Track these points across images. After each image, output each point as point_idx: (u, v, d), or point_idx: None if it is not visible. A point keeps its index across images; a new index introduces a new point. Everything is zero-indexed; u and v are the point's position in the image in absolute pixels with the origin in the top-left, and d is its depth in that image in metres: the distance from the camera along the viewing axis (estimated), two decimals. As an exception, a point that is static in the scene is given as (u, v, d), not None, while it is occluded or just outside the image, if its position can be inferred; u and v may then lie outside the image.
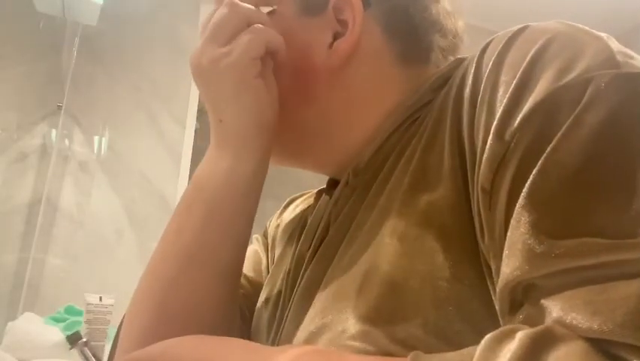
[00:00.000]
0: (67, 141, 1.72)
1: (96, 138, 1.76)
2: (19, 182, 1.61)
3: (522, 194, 0.26)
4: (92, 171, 1.72)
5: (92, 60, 1.77)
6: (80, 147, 1.73)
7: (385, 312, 0.31)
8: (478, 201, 0.30)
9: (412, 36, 0.44)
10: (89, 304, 1.15)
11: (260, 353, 0.31)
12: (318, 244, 0.42)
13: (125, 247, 1.69)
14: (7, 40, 1.64)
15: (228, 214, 0.42)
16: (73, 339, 0.51)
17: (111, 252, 1.67)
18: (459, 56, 0.43)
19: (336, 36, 0.42)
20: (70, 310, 1.33)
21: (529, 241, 0.25)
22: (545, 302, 0.24)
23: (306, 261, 0.42)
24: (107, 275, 1.64)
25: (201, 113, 2.19)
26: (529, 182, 0.26)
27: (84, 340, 0.50)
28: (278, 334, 0.42)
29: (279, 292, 0.46)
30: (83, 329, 1.13)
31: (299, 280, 0.42)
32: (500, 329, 0.24)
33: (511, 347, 0.22)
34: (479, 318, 0.29)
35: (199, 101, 1.93)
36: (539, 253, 0.24)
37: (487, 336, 0.23)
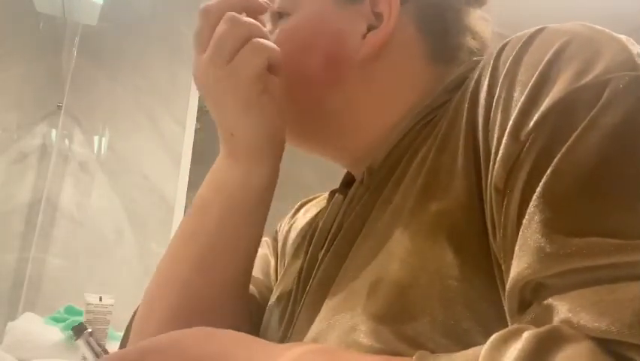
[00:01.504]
0: (67, 141, 1.71)
1: (96, 138, 1.76)
2: (19, 182, 1.61)
3: (535, 193, 0.26)
4: (92, 171, 1.72)
5: (92, 60, 1.77)
6: (80, 147, 1.73)
7: (394, 310, 0.31)
8: (491, 201, 0.30)
9: (444, 36, 0.44)
10: (89, 304, 1.15)
11: (266, 349, 0.32)
12: (331, 243, 0.42)
13: (125, 247, 1.69)
14: (7, 41, 1.64)
15: (241, 222, 0.44)
16: (78, 330, 0.51)
17: (111, 252, 1.67)
18: (475, 58, 0.43)
19: (370, 27, 0.42)
20: (70, 311, 1.33)
21: (540, 240, 0.25)
22: (553, 302, 0.24)
23: (319, 259, 0.43)
24: (107, 275, 1.64)
25: (201, 113, 2.18)
26: (543, 181, 0.26)
27: (89, 330, 0.51)
28: (289, 331, 0.42)
29: (292, 290, 0.46)
30: (83, 329, 1.13)
31: (312, 278, 0.42)
32: (507, 328, 0.24)
33: (518, 346, 0.22)
34: (487, 317, 0.29)
35: (199, 101, 1.93)
36: (550, 252, 0.24)
37: (494, 335, 0.24)
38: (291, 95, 0.44)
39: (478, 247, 0.31)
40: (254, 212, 0.44)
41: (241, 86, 0.40)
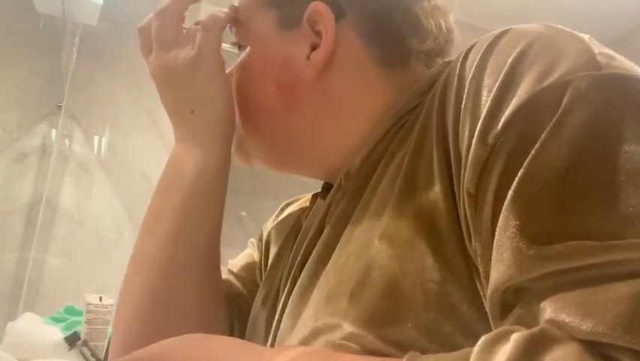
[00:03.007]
0: (67, 141, 1.71)
1: (96, 138, 1.76)
2: (19, 182, 1.61)
3: (508, 197, 0.26)
4: (92, 171, 1.72)
5: (92, 60, 1.77)
6: (80, 147, 1.73)
7: (378, 315, 0.31)
8: (464, 205, 0.30)
9: (389, 41, 0.44)
10: (88, 304, 1.15)
11: (259, 354, 0.32)
12: (312, 247, 0.42)
13: (125, 247, 1.69)
14: (8, 41, 1.64)
15: (201, 202, 0.46)
16: (71, 340, 0.51)
17: (111, 252, 1.67)
18: (446, 59, 0.44)
19: (313, 47, 0.43)
20: (70, 311, 1.33)
21: (517, 245, 0.25)
22: (536, 305, 0.24)
23: (300, 263, 0.43)
24: (107, 275, 1.64)
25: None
26: (514, 185, 0.26)
27: (83, 339, 0.51)
28: (274, 335, 0.42)
29: (275, 293, 0.47)
30: (82, 329, 1.13)
31: (294, 282, 0.42)
32: (495, 330, 0.24)
33: (507, 348, 0.22)
34: (470, 320, 0.29)
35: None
36: (528, 256, 0.24)
37: (483, 338, 0.24)
38: (254, 125, 0.47)
39: (456, 250, 0.31)
40: (212, 193, 0.46)
41: (202, 60, 0.44)
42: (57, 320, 1.28)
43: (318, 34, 0.43)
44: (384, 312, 0.31)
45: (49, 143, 1.69)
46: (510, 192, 0.26)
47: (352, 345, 0.31)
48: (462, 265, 0.30)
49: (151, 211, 0.48)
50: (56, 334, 1.19)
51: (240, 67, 0.47)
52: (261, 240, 0.59)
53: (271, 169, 0.50)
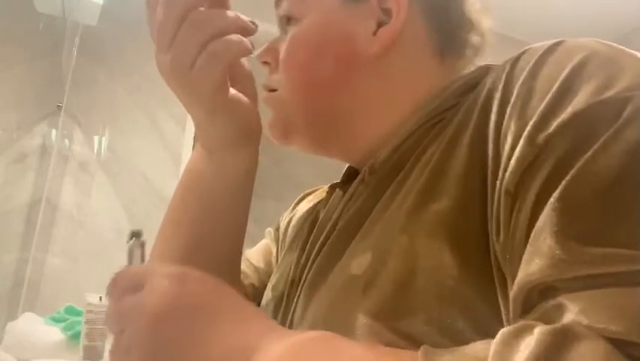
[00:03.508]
0: (67, 141, 1.71)
1: (96, 138, 1.76)
2: (19, 182, 1.61)
3: (552, 198, 0.26)
4: (92, 171, 1.72)
5: (92, 60, 1.77)
6: (80, 147, 1.73)
7: (390, 307, 0.32)
8: (498, 204, 0.30)
9: (451, 30, 0.44)
10: (89, 304, 1.14)
11: (268, 330, 0.32)
12: (328, 237, 0.43)
13: (125, 247, 1.69)
14: (7, 41, 1.64)
15: (222, 207, 0.45)
16: (135, 234, 0.48)
17: (111, 252, 1.67)
18: (485, 64, 0.43)
19: (379, 24, 0.42)
20: (70, 311, 1.33)
21: (554, 246, 0.25)
22: (563, 301, 0.24)
23: (315, 252, 0.43)
24: (107, 275, 1.64)
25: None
26: (561, 188, 0.26)
27: (143, 239, 0.48)
28: (285, 322, 0.42)
29: (288, 282, 0.47)
30: (82, 329, 1.13)
31: (307, 270, 0.43)
32: (515, 325, 0.24)
33: (530, 341, 0.22)
34: (483, 318, 0.30)
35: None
36: (563, 258, 0.25)
37: (503, 330, 0.24)
38: (302, 101, 0.45)
39: (476, 248, 0.31)
40: (232, 198, 0.46)
41: (203, 96, 0.40)
42: (57, 320, 1.28)
43: (385, 11, 0.42)
44: (397, 304, 0.32)
45: (49, 143, 1.69)
46: (555, 194, 0.26)
47: (362, 336, 0.31)
48: (481, 263, 0.30)
49: (170, 219, 0.46)
50: (56, 334, 1.19)
51: (293, 40, 0.44)
52: (277, 230, 0.60)
53: (306, 149, 0.48)
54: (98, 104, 1.77)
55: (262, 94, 0.49)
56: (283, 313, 0.44)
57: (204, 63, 0.38)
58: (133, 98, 1.82)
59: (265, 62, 0.48)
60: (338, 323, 0.34)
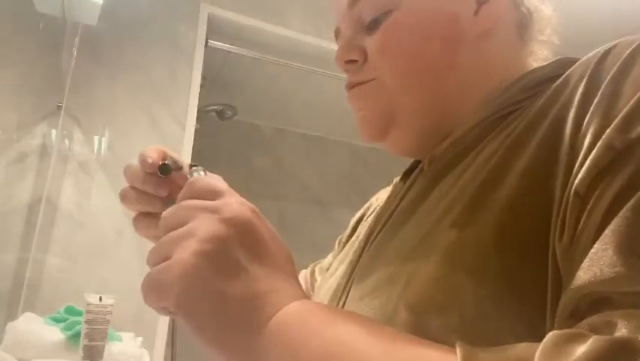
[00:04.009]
0: (67, 141, 1.71)
1: (96, 138, 1.76)
2: (19, 182, 1.61)
3: (624, 209, 0.25)
4: (92, 171, 1.72)
5: (92, 60, 1.77)
6: (80, 147, 1.73)
7: (427, 302, 0.32)
8: (566, 204, 0.29)
9: (527, 13, 0.45)
10: (89, 304, 1.14)
11: (304, 297, 0.33)
12: (383, 226, 0.44)
13: (125, 247, 1.69)
14: (7, 41, 1.64)
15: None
16: (195, 165, 0.46)
17: (111, 252, 1.67)
18: (562, 57, 0.42)
19: (479, 3, 0.43)
20: (70, 311, 1.33)
21: (617, 258, 0.24)
22: (615, 315, 0.23)
23: (372, 238, 0.44)
24: (107, 275, 1.64)
25: (201, 113, 2.18)
26: (635, 199, 0.25)
27: (200, 168, 0.45)
28: (338, 305, 0.43)
29: (345, 267, 0.48)
30: (82, 329, 1.13)
31: (362, 256, 0.44)
32: (566, 330, 0.23)
33: (584, 349, 0.21)
34: (519, 320, 0.29)
35: (199, 101, 1.93)
36: (624, 272, 0.24)
37: (554, 332, 0.23)
38: (410, 87, 0.44)
39: (529, 250, 0.30)
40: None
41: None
42: (57, 320, 1.28)
43: None
44: (433, 299, 0.31)
45: (49, 143, 1.69)
46: (628, 205, 0.25)
47: (399, 327, 0.31)
48: (528, 265, 0.29)
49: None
50: (56, 334, 1.19)
51: (395, 27, 0.44)
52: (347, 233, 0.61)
53: (402, 143, 0.47)
54: (98, 104, 1.77)
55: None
56: (338, 299, 0.44)
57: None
58: (133, 98, 1.82)
59: (350, 61, 0.47)
60: (379, 311, 0.34)
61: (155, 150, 0.46)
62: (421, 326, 0.31)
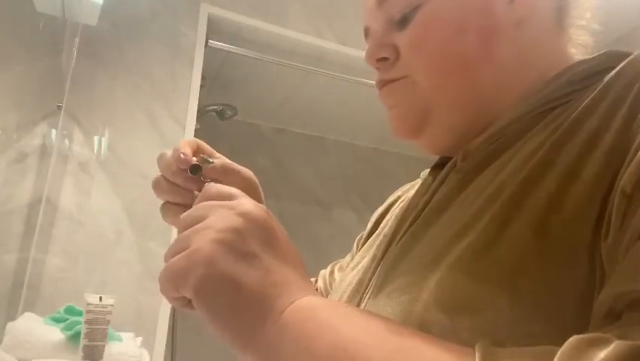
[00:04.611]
0: (67, 141, 1.71)
1: (96, 138, 1.76)
2: (19, 182, 1.61)
3: None
4: (92, 171, 1.72)
5: (92, 60, 1.77)
6: (80, 147, 1.73)
7: (459, 300, 0.31)
8: (612, 204, 0.28)
9: (568, 3, 0.44)
10: (89, 304, 1.14)
11: (314, 293, 0.33)
12: (414, 221, 0.42)
13: (125, 247, 1.69)
14: (7, 41, 1.64)
15: None
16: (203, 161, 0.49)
17: (111, 252, 1.67)
18: (610, 50, 0.41)
19: None
20: (70, 311, 1.33)
21: None
22: None
23: (401, 234, 0.43)
24: (107, 275, 1.64)
25: (201, 113, 2.18)
26: None
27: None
28: (361, 300, 0.43)
29: (369, 262, 0.47)
30: (82, 329, 1.13)
31: (389, 251, 0.43)
32: (589, 334, 0.23)
33: (604, 354, 0.21)
34: (554, 323, 0.28)
35: (199, 101, 1.93)
36: None
37: (576, 336, 0.23)
38: (446, 82, 0.43)
39: (567, 250, 0.29)
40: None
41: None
42: (57, 320, 1.28)
43: None
44: (465, 298, 0.31)
45: (49, 143, 1.69)
46: None
47: (425, 326, 0.31)
48: (568, 264, 0.29)
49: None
50: (56, 334, 1.19)
51: (427, 21, 0.43)
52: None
53: (437, 141, 0.46)
54: (98, 104, 1.77)
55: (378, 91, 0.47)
56: (360, 295, 0.44)
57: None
58: (133, 98, 1.82)
59: (382, 59, 0.46)
60: (407, 307, 0.33)
61: (189, 144, 0.47)
62: (452, 326, 0.30)
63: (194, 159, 0.47)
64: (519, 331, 0.28)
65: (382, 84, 0.47)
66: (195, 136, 1.89)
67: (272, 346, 0.30)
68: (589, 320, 0.27)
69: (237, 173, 0.50)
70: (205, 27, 1.96)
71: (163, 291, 0.34)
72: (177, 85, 1.89)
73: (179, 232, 0.36)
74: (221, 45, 1.97)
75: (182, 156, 0.46)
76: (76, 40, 1.72)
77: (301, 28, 2.14)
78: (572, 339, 0.23)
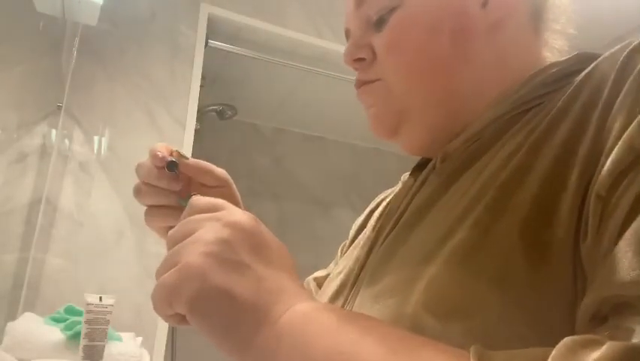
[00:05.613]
0: (67, 141, 1.71)
1: (96, 138, 1.76)
2: (19, 182, 1.61)
3: None
4: (92, 171, 1.72)
5: (92, 60, 1.77)
6: (80, 147, 1.73)
7: (448, 305, 0.31)
8: (588, 206, 0.28)
9: (539, 2, 0.44)
10: (89, 304, 1.14)
11: (309, 299, 0.32)
12: (396, 224, 0.42)
13: (125, 247, 1.69)
14: (7, 40, 1.64)
15: None
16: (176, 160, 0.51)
17: (111, 252, 1.67)
18: (584, 51, 0.41)
19: None
20: (70, 310, 1.33)
21: (638, 263, 0.23)
22: (636, 323, 0.23)
23: (382, 238, 0.43)
24: (107, 275, 1.64)
25: (201, 113, 2.18)
26: None
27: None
28: (346, 303, 0.43)
29: (352, 266, 0.47)
30: (82, 329, 1.13)
31: (372, 255, 0.43)
32: (581, 335, 0.23)
33: (597, 355, 0.21)
34: (543, 325, 0.28)
35: (199, 101, 1.93)
36: None
37: (568, 338, 0.23)
38: (419, 83, 0.43)
39: (553, 251, 0.29)
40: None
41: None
42: (57, 320, 1.28)
43: None
44: (454, 303, 0.31)
45: (49, 143, 1.69)
46: None
47: (413, 331, 0.31)
48: (553, 268, 0.29)
49: None
50: (56, 334, 1.19)
51: (402, 23, 0.43)
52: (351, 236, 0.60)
53: (415, 141, 0.47)
54: (97, 104, 1.77)
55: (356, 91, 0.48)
56: (345, 297, 0.44)
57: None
58: (133, 98, 1.82)
59: (359, 59, 0.47)
60: (395, 311, 0.33)
61: (164, 146, 0.49)
62: (443, 330, 0.30)
63: (170, 158, 0.48)
64: (509, 333, 0.28)
65: (359, 84, 0.48)
66: (195, 136, 1.89)
67: (270, 354, 0.30)
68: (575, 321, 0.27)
69: (211, 171, 0.51)
70: (205, 27, 1.96)
71: (157, 309, 0.33)
72: (177, 85, 1.89)
73: (168, 248, 0.35)
74: (221, 45, 1.97)
75: (158, 154, 0.47)
76: (76, 40, 1.72)
77: (301, 28, 2.14)
78: (565, 340, 0.23)
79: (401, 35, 0.43)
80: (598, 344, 0.22)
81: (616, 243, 0.25)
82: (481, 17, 0.42)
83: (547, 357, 0.22)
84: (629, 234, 0.25)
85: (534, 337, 0.28)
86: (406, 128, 0.46)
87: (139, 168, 0.48)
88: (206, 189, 0.51)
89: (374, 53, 0.46)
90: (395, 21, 0.43)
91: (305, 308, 0.31)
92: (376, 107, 0.47)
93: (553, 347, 0.23)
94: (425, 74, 0.43)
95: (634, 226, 0.25)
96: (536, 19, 0.44)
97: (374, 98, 0.47)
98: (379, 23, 0.45)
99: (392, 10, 0.44)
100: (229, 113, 2.53)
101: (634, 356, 0.20)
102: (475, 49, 0.42)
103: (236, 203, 0.52)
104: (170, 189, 0.48)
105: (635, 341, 0.22)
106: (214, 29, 2.02)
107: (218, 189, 0.52)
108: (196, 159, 0.51)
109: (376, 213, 0.55)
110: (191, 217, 0.36)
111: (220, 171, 0.52)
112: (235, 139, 2.84)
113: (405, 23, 0.43)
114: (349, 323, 0.29)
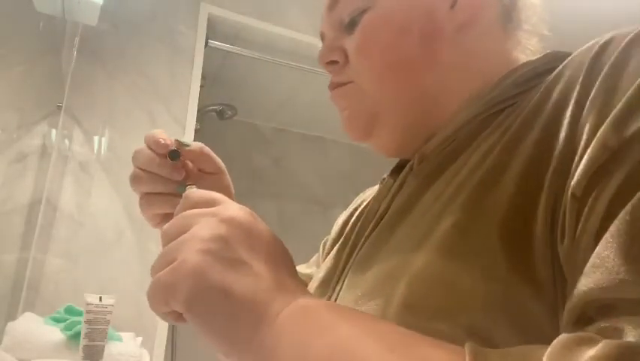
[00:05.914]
0: (67, 141, 1.71)
1: (96, 138, 1.76)
2: (19, 182, 1.61)
3: (625, 212, 0.24)
4: (92, 171, 1.72)
5: (92, 60, 1.77)
6: (80, 147, 1.73)
7: (431, 305, 0.31)
8: (564, 206, 0.28)
9: (512, 4, 0.44)
10: (89, 304, 1.14)
11: (305, 294, 0.32)
12: (375, 226, 0.43)
13: (125, 247, 1.69)
14: (7, 41, 1.64)
15: None
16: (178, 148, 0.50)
17: (111, 252, 1.67)
18: (555, 50, 0.41)
19: None
20: (70, 310, 1.33)
21: (620, 264, 0.23)
22: (621, 323, 0.22)
23: (362, 241, 0.43)
24: (107, 275, 1.64)
25: (201, 113, 2.18)
26: (634, 201, 0.24)
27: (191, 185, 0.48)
28: None
29: (333, 268, 0.47)
30: (82, 329, 1.13)
31: (353, 257, 0.43)
32: (576, 333, 0.23)
33: (593, 352, 0.21)
34: (529, 324, 0.28)
35: (199, 101, 1.93)
36: (628, 279, 0.23)
37: (563, 335, 0.23)
38: (390, 84, 0.44)
39: (533, 250, 0.29)
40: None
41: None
42: (57, 320, 1.28)
43: None
44: (438, 304, 0.31)
45: (49, 143, 1.69)
46: (627, 207, 0.24)
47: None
48: (532, 268, 0.29)
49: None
50: (56, 334, 1.19)
51: (372, 25, 0.44)
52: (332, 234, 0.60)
53: (389, 142, 0.47)
54: (97, 104, 1.77)
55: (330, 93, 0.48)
56: (329, 296, 0.44)
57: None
58: (133, 97, 1.82)
59: (331, 62, 0.47)
60: (377, 314, 0.33)
61: (162, 132, 0.49)
62: (425, 330, 0.30)
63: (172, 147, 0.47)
64: (496, 333, 0.28)
65: (333, 87, 0.48)
66: (195, 136, 1.89)
67: (269, 351, 0.30)
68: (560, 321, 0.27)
69: (213, 158, 0.51)
70: (205, 27, 1.96)
71: (152, 307, 0.33)
72: (177, 85, 1.89)
73: (164, 244, 0.35)
74: (221, 45, 1.97)
75: (161, 141, 0.46)
76: (76, 40, 1.72)
77: (301, 28, 2.14)
78: (561, 338, 0.23)
79: (371, 36, 0.44)
80: (593, 341, 0.22)
81: (595, 245, 0.25)
82: (450, 18, 0.42)
83: (543, 355, 0.22)
84: (609, 235, 0.24)
85: (518, 336, 0.28)
86: (379, 130, 0.46)
87: (137, 155, 0.48)
88: (203, 176, 0.51)
89: (346, 56, 0.46)
90: (365, 22, 0.44)
91: (304, 304, 0.31)
92: (350, 109, 0.47)
93: (537, 345, 0.23)
94: (395, 74, 0.43)
95: (613, 227, 0.24)
96: (506, 20, 0.44)
97: (347, 101, 0.47)
98: (351, 25, 0.45)
99: (363, 11, 0.44)
100: (229, 113, 2.53)
101: (629, 354, 0.20)
102: (444, 49, 0.42)
103: (230, 193, 0.52)
104: (171, 178, 0.48)
105: (629, 339, 0.21)
106: (214, 29, 2.02)
107: (216, 176, 0.51)
108: (198, 143, 0.50)
109: (357, 214, 0.55)
110: (186, 212, 0.35)
111: (219, 160, 0.52)
112: (235, 139, 2.84)
113: (374, 24, 0.44)
114: (347, 321, 0.29)
